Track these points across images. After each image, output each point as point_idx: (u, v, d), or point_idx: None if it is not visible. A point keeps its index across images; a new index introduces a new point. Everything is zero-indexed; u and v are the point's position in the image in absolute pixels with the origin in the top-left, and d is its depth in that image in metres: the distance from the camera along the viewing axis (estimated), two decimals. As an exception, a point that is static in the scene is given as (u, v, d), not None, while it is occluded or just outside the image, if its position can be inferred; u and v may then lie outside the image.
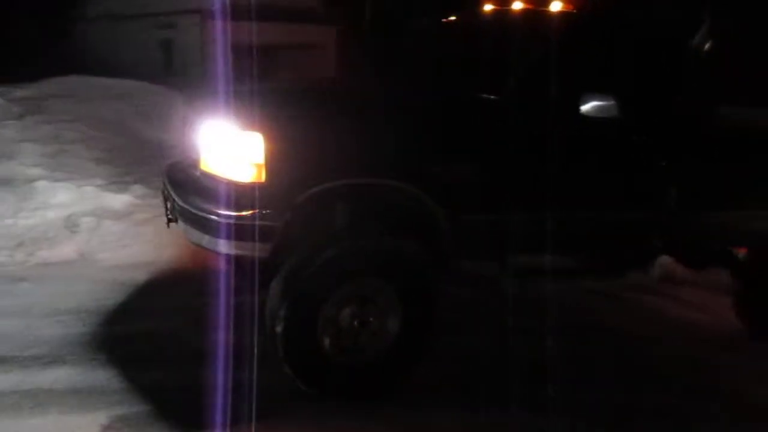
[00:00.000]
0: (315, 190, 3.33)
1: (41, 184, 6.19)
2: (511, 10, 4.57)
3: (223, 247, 3.34)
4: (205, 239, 3.41)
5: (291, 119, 3.34)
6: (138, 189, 6.28)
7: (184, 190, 3.69)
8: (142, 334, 4.15)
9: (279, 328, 3.37)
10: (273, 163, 3.25)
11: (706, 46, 4.26)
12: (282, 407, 3.41)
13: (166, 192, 3.95)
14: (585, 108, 3.72)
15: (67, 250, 5.42)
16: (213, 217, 3.32)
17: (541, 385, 3.60)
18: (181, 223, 3.67)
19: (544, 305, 3.97)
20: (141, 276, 5.11)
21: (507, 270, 3.97)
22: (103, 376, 3.63)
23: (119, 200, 6.10)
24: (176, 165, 4.23)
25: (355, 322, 3.48)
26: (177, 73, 16.90)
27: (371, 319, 3.53)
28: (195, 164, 3.74)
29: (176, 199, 3.67)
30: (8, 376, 3.56)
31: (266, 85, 3.81)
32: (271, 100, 3.48)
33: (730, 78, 4.63)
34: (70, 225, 5.72)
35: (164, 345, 4.04)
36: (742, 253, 4.74)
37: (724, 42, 4.37)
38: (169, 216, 3.89)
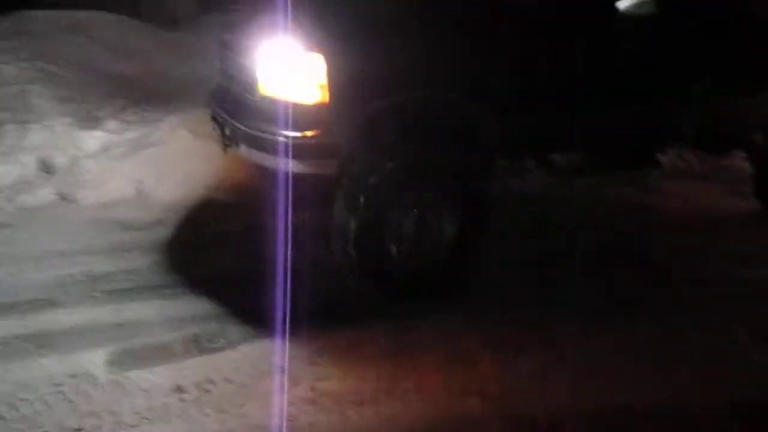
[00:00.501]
0: (376, 106, 3.49)
1: (9, 127, 5.88)
2: None
3: (292, 166, 3.48)
4: (273, 160, 3.56)
5: (351, 40, 3.46)
6: (111, 124, 6.08)
7: (244, 115, 3.78)
8: (140, 269, 4.21)
9: (350, 238, 3.54)
10: (336, 83, 3.38)
11: None
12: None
13: (220, 119, 4.00)
14: (622, 3, 3.81)
15: (45, 192, 5.28)
16: (280, 138, 3.47)
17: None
18: (243, 147, 3.81)
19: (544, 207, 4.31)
20: (125, 212, 5.03)
21: (547, 167, 4.30)
22: (104, 312, 3.73)
23: (93, 137, 5.89)
24: (221, 92, 4.29)
25: (418, 229, 3.66)
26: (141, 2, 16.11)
27: (431, 224, 3.70)
28: (249, 89, 3.79)
29: (237, 124, 3.77)
30: (8, 323, 3.61)
31: (325, 5, 3.84)
32: (330, 21, 3.59)
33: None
34: (45, 167, 5.58)
35: (165, 277, 4.12)
36: (759, 137, 4.92)
37: None
38: (226, 142, 3.98)
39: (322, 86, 3.41)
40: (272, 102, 3.58)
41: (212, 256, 4.40)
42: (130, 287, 3.99)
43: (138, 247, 4.48)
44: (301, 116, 3.43)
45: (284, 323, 3.33)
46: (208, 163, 5.43)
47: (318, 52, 3.38)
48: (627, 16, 3.86)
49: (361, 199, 3.51)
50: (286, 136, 3.46)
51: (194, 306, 3.79)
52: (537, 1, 3.84)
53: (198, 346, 3.45)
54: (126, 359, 3.34)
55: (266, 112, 3.61)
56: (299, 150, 3.45)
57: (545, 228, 4.71)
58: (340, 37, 3.45)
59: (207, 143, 5.61)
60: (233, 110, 3.90)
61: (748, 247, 4.68)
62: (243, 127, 3.74)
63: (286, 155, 3.46)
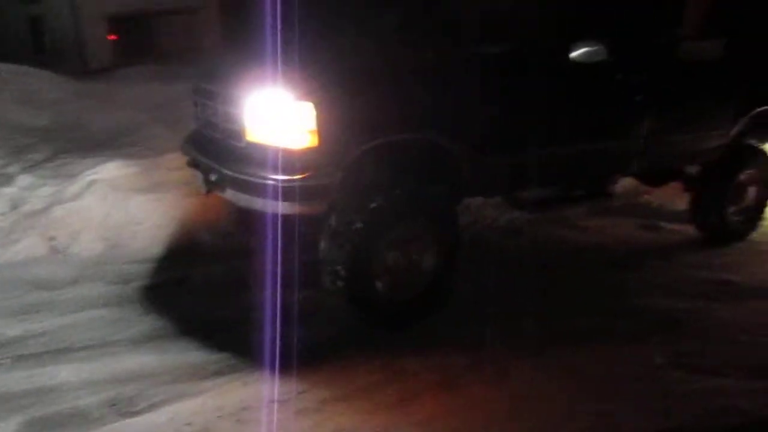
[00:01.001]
0: (363, 149, 3.69)
1: None
2: None
3: (282, 207, 3.65)
4: (262, 202, 3.70)
5: (338, 89, 3.65)
6: (24, 180, 5.76)
7: (229, 160, 3.91)
8: (53, 330, 4.00)
9: (341, 273, 3.74)
10: (325, 129, 3.56)
11: None
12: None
13: (203, 165, 4.16)
14: (575, 54, 4.14)
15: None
16: (270, 181, 3.61)
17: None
18: (229, 191, 3.92)
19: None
20: (38, 271, 4.76)
21: (513, 202, 4.71)
22: (14, 379, 3.52)
23: (2, 195, 5.55)
24: (199, 139, 4.43)
25: (401, 262, 3.91)
26: (47, 52, 15.79)
27: (413, 258, 3.95)
28: (234, 136, 3.93)
29: (223, 170, 3.90)
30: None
31: (311, 56, 3.98)
32: (318, 72, 3.74)
33: (686, 15, 5.16)
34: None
35: (80, 337, 3.93)
36: (693, 168, 5.46)
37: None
38: (210, 187, 4.12)
39: (311, 132, 3.58)
40: (260, 148, 3.73)
41: (132, 312, 4.21)
42: (42, 351, 3.75)
43: (51, 308, 4.22)
44: (291, 160, 3.60)
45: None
46: (127, 215, 5.28)
47: (308, 101, 3.55)
48: (582, 66, 4.18)
49: (348, 238, 3.72)
50: (277, 180, 3.61)
51: (112, 367, 3.59)
52: (505, 55, 4.10)
53: (117, 410, 3.26)
54: (38, 428, 3.13)
55: (254, 158, 3.75)
56: (289, 192, 3.60)
57: (496, 263, 4.79)
58: (328, 87, 3.63)
59: (127, 195, 5.49)
60: (217, 156, 4.04)
61: (664, 278, 4.88)
62: (230, 172, 3.86)
63: (277, 198, 3.61)
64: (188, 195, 5.52)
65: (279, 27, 3.66)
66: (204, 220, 5.37)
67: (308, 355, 3.61)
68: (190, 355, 3.73)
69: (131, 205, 5.39)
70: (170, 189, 5.62)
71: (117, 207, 5.37)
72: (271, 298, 3.78)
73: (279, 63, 3.66)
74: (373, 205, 3.74)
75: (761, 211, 5.71)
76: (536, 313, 4.04)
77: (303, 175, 3.61)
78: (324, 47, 4.36)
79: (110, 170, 5.72)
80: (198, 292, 4.48)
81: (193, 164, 4.35)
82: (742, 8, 5.39)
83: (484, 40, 4.17)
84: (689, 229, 5.72)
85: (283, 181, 3.59)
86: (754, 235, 5.69)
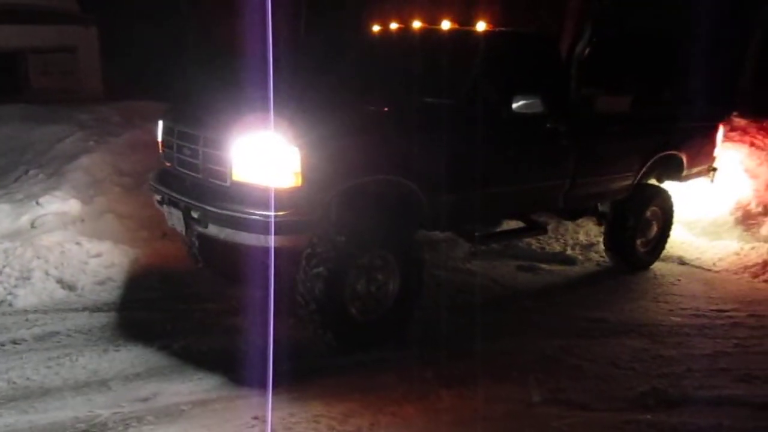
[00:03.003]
0: (341, 188, 4.09)
1: None
2: (459, 29, 5.39)
3: (269, 241, 3.92)
4: (247, 237, 4.01)
5: (320, 135, 4.03)
6: None
7: (211, 199, 4.15)
8: None
9: (316, 295, 4.08)
10: (308, 171, 3.94)
11: (585, 52, 5.68)
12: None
13: (182, 203, 4.33)
14: (516, 105, 4.69)
15: None
16: (258, 217, 3.91)
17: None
18: (212, 227, 4.14)
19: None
20: None
21: (464, 236, 5.23)
22: None
23: None
24: (171, 179, 4.60)
25: (370, 287, 4.30)
26: None
27: (380, 282, 4.34)
28: (216, 175, 4.19)
29: (206, 207, 4.12)
30: None
31: (294, 105, 4.37)
32: (302, 120, 4.09)
33: (598, 73, 6.20)
34: None
35: None
36: (603, 206, 6.19)
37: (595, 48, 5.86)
38: (190, 223, 4.34)
39: (296, 173, 3.93)
40: (247, 186, 4.03)
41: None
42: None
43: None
44: (277, 198, 3.91)
45: None
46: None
47: (294, 145, 3.91)
48: (520, 116, 4.71)
49: (323, 268, 4.07)
50: (264, 215, 3.90)
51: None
52: (454, 107, 4.60)
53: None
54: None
55: (239, 196, 4.05)
56: (275, 227, 3.89)
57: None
58: (312, 133, 4.01)
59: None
60: (198, 195, 4.27)
61: (541, 317, 5.09)
62: (214, 209, 4.10)
63: (263, 232, 3.91)
64: (63, 241, 5.24)
65: (268, 73, 3.94)
66: (78, 269, 5.11)
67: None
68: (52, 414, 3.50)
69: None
70: (39, 234, 5.32)
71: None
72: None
73: (265, 110, 3.94)
74: (342, 238, 4.09)
75: (663, 243, 6.44)
76: (409, 357, 4.25)
77: (287, 212, 3.93)
78: (306, 98, 4.74)
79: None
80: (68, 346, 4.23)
81: (168, 203, 4.48)
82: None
83: (438, 93, 4.66)
84: (566, 270, 6.17)
85: (270, 216, 3.88)
86: (626, 274, 6.17)
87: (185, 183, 4.47)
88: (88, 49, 16.21)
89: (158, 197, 4.65)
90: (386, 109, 4.58)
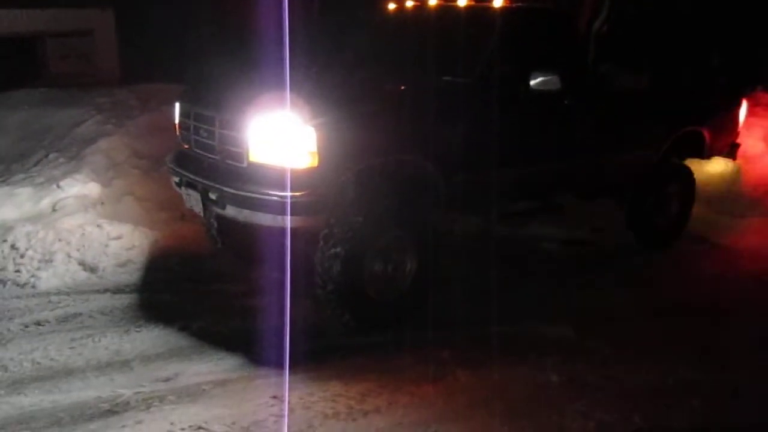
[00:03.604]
0: (358, 168, 4.09)
1: None
2: (475, 6, 5.35)
3: (287, 221, 3.94)
4: (265, 217, 4.04)
5: (337, 115, 4.03)
6: None
7: (229, 180, 4.17)
8: None
9: (334, 276, 4.09)
10: (324, 150, 3.95)
11: (603, 28, 5.58)
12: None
13: (200, 185, 4.36)
14: (534, 82, 4.64)
15: None
16: (275, 198, 3.94)
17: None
18: (230, 208, 4.16)
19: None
20: None
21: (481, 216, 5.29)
22: None
23: None
24: (188, 161, 4.61)
25: (387, 268, 4.30)
26: None
27: (397, 263, 4.35)
28: (233, 157, 4.20)
29: (223, 188, 4.14)
30: None
31: (310, 85, 4.39)
32: (318, 99, 4.08)
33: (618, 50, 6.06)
34: None
35: None
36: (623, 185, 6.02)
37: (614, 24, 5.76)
38: (208, 204, 4.35)
39: (312, 153, 3.94)
40: (264, 167, 4.05)
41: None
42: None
43: None
44: (294, 179, 3.92)
45: None
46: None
47: (310, 125, 3.92)
48: (538, 95, 4.67)
49: (340, 248, 4.08)
50: (281, 196, 3.92)
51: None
52: (472, 85, 4.56)
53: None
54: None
55: (257, 177, 4.07)
56: (292, 207, 3.92)
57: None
58: (328, 113, 4.01)
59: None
60: (216, 176, 4.29)
61: (555, 298, 5.03)
62: (232, 190, 4.12)
63: (281, 212, 3.93)
64: (83, 223, 5.30)
65: (284, 53, 3.94)
66: (99, 251, 5.17)
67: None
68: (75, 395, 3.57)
69: (15, 235, 5.11)
70: (60, 217, 5.38)
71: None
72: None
73: (281, 90, 3.94)
74: (359, 218, 4.10)
75: (685, 221, 6.35)
76: (426, 337, 4.23)
77: (304, 192, 3.95)
78: (321, 78, 4.75)
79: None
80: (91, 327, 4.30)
81: (186, 184, 4.51)
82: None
83: (454, 71, 4.62)
84: (580, 251, 6.11)
85: (287, 197, 3.91)
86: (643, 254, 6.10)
87: (202, 164, 4.48)
88: (104, 32, 16.24)
89: (176, 179, 4.67)
90: (402, 87, 4.54)
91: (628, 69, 5.98)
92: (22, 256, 4.99)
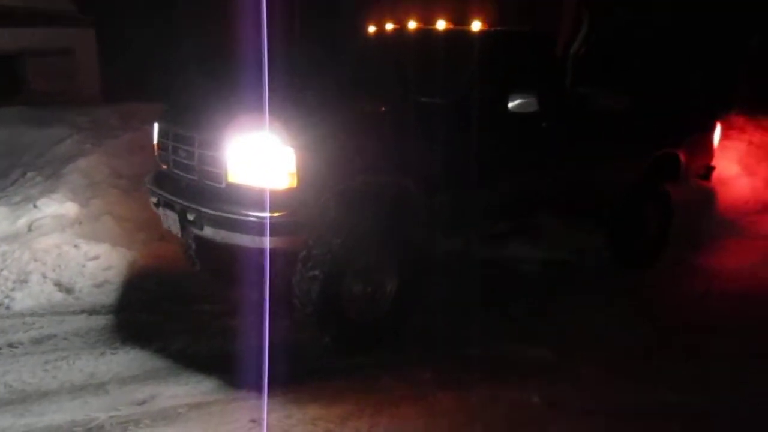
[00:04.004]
0: (337, 189, 4.08)
1: None
2: (454, 29, 5.43)
3: (265, 242, 3.91)
4: (243, 238, 4.02)
5: (315, 136, 4.02)
6: None
7: (207, 200, 4.15)
8: None
9: (313, 298, 4.06)
10: (303, 172, 3.94)
11: (581, 50, 5.59)
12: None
13: (177, 205, 4.33)
14: (512, 104, 4.70)
15: None
16: (254, 218, 3.92)
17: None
18: (208, 229, 4.13)
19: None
20: None
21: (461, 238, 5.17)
22: None
23: None
24: (167, 181, 4.58)
25: (367, 289, 4.28)
26: None
27: (377, 284, 4.33)
28: (211, 177, 4.19)
29: (201, 209, 4.11)
30: None
31: (290, 106, 4.34)
32: (298, 120, 4.07)
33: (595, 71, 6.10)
34: None
35: None
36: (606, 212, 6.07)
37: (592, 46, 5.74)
38: (186, 225, 4.31)
39: (291, 174, 3.93)
40: (242, 188, 4.02)
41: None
42: None
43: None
44: (273, 199, 3.91)
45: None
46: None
47: (289, 146, 3.91)
48: (516, 117, 4.70)
49: (318, 271, 4.05)
50: (260, 217, 3.90)
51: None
52: (451, 103, 4.61)
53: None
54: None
55: (234, 197, 4.05)
56: (271, 228, 3.90)
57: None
58: (307, 133, 4.00)
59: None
60: (194, 197, 4.27)
61: (534, 322, 4.99)
62: (210, 211, 4.10)
63: (259, 233, 3.90)
64: (60, 243, 5.23)
65: (263, 74, 3.90)
66: (76, 272, 5.10)
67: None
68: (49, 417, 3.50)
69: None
70: (36, 237, 5.31)
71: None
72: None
73: (260, 111, 3.91)
74: (338, 240, 4.08)
75: (665, 241, 6.41)
76: (408, 358, 4.24)
77: (283, 213, 3.94)
78: (301, 98, 4.71)
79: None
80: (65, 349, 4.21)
81: (164, 205, 4.48)
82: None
83: (434, 93, 4.64)
84: (559, 272, 6.08)
85: (266, 218, 3.88)
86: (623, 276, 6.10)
87: (181, 185, 4.46)
88: (85, 50, 16.17)
89: (154, 199, 4.64)
90: (383, 109, 4.56)
91: (606, 91, 6.05)
92: (-4, 276, 4.91)
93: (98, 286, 5.09)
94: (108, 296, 4.99)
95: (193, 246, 5.09)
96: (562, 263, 6.32)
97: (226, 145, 4.06)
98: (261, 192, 3.93)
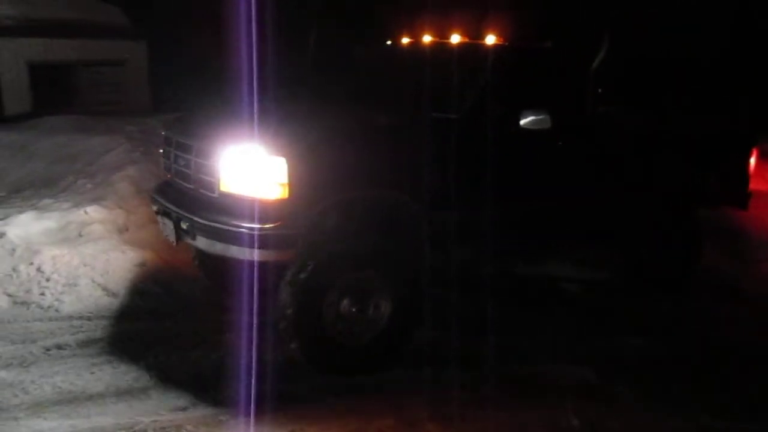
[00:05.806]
0: (330, 202, 3.97)
1: None
2: (466, 43, 5.32)
3: (254, 255, 3.83)
4: (234, 249, 3.90)
5: (308, 146, 3.91)
6: None
7: (201, 210, 4.10)
8: None
9: (288, 315, 3.90)
10: (296, 183, 3.82)
11: (601, 67, 5.34)
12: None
13: (174, 213, 4.32)
14: (524, 121, 4.54)
15: None
16: (244, 230, 3.83)
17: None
18: (201, 240, 4.09)
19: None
20: None
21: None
22: None
23: None
24: (168, 189, 4.59)
25: (354, 309, 4.06)
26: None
27: (367, 306, 4.11)
28: (206, 186, 4.12)
29: (194, 218, 4.07)
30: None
31: (284, 116, 4.32)
32: (291, 130, 4.02)
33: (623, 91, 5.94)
34: None
35: None
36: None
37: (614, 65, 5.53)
38: (180, 235, 4.29)
39: (283, 185, 3.82)
40: (234, 198, 3.92)
41: (36, 374, 3.99)
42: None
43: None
44: (264, 210, 3.81)
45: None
46: (36, 270, 5.06)
47: (281, 156, 3.80)
48: (528, 134, 4.52)
49: (298, 284, 3.90)
50: (250, 228, 3.81)
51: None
52: (458, 118, 4.47)
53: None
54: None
55: (226, 207, 3.95)
56: (261, 240, 3.81)
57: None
58: (300, 144, 3.89)
59: (38, 248, 5.28)
60: (189, 206, 4.20)
61: (538, 343, 4.85)
62: (202, 221, 4.03)
63: (250, 245, 3.80)
64: (108, 249, 5.36)
65: (255, 86, 3.96)
66: (122, 277, 5.21)
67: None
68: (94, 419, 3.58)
69: (41, 259, 5.17)
70: (85, 242, 5.45)
71: (25, 261, 5.15)
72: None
73: (254, 121, 3.91)
74: (323, 255, 3.95)
75: (695, 265, 6.11)
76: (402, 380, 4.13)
77: (274, 224, 3.83)
78: (296, 109, 4.64)
79: (21, 223, 5.53)
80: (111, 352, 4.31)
81: (163, 213, 4.45)
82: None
83: (441, 107, 4.49)
84: (575, 296, 5.95)
85: (256, 229, 3.80)
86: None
87: (179, 193, 4.42)
88: (137, 62, 16.66)
89: (155, 207, 4.62)
90: (383, 121, 4.42)
91: (632, 111, 5.86)
92: (47, 280, 5.07)
93: (143, 292, 5.20)
94: (153, 302, 5.09)
95: (197, 255, 5.07)
96: (601, 283, 6.17)
97: (219, 153, 3.98)
98: (251, 202, 3.82)
